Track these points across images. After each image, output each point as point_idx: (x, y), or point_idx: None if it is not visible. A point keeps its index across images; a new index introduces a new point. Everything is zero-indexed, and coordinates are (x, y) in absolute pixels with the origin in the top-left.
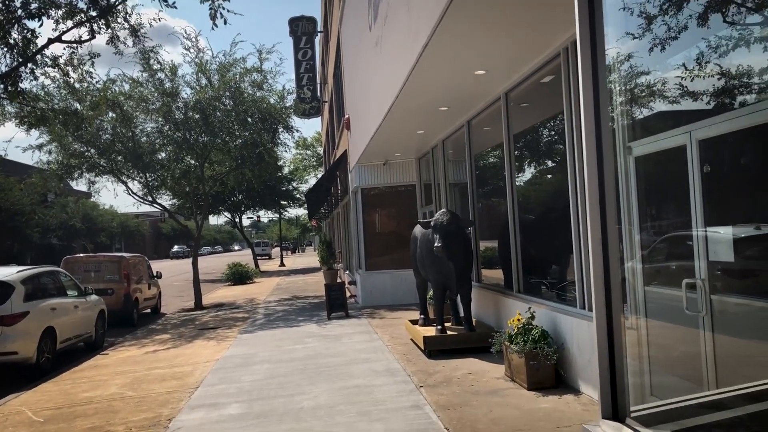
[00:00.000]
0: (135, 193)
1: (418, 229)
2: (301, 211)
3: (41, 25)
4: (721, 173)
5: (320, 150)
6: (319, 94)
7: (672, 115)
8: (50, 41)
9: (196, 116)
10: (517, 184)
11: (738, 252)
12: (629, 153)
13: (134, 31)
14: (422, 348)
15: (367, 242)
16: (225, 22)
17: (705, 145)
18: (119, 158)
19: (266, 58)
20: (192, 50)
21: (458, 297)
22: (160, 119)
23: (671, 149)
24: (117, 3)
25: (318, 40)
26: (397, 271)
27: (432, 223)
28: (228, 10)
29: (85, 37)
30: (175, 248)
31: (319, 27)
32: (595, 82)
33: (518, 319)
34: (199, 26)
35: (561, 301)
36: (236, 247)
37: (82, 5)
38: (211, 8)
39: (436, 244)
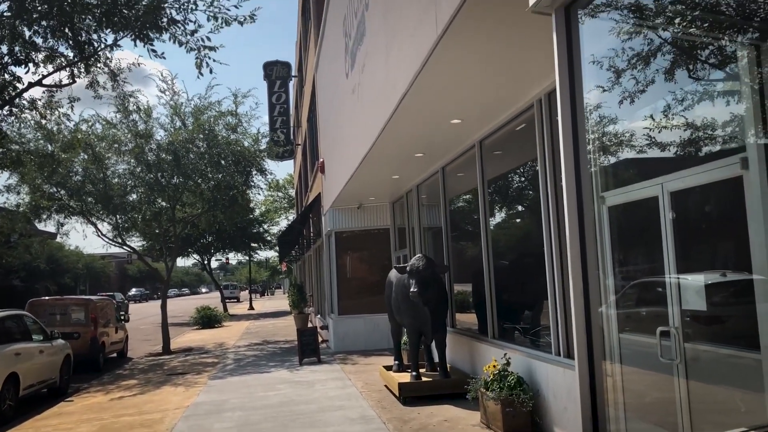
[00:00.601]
0: (104, 235)
1: (393, 274)
2: (270, 254)
3: (27, 72)
4: (691, 222)
5: (292, 192)
6: (292, 137)
7: (643, 165)
8: (31, 85)
9: (169, 158)
10: (492, 229)
11: (708, 299)
12: (603, 203)
13: (114, 76)
14: (397, 395)
15: (340, 286)
16: (210, 71)
17: (676, 195)
18: (89, 200)
19: (241, 102)
20: (167, 93)
21: (433, 342)
22: (132, 161)
23: (644, 199)
24: (100, 48)
25: (292, 84)
26: (370, 315)
27: (408, 268)
28: (214, 60)
29: (65, 81)
30: (133, 291)
31: (294, 72)
32: (575, 132)
33: (494, 366)
34: (175, 69)
35: (536, 348)
36: (203, 290)
37: (62, 50)
38: (197, 58)
39: (411, 290)
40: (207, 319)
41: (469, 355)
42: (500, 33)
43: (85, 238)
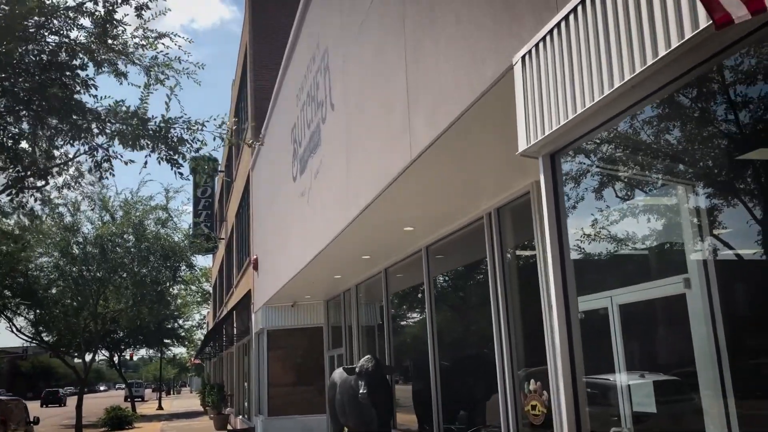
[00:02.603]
0: (20, 330)
1: (338, 375)
2: (180, 350)
3: (46, 185)
4: (638, 330)
5: (205, 285)
6: (215, 231)
7: (593, 277)
8: (7, 187)
9: (95, 251)
10: (438, 328)
11: (657, 399)
12: None
13: (78, 178)
14: None
15: (271, 386)
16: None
17: (624, 308)
18: (7, 293)
19: (173, 197)
20: (96, 185)
21: None
22: (56, 253)
23: (595, 309)
24: (107, 151)
25: (217, 179)
26: (302, 416)
27: (357, 370)
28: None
29: (38, 183)
30: None
31: (221, 167)
32: (560, 233)
33: None
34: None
35: None
36: (102, 388)
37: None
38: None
39: (361, 391)
40: (117, 420)
41: None
42: (467, 158)
43: None
